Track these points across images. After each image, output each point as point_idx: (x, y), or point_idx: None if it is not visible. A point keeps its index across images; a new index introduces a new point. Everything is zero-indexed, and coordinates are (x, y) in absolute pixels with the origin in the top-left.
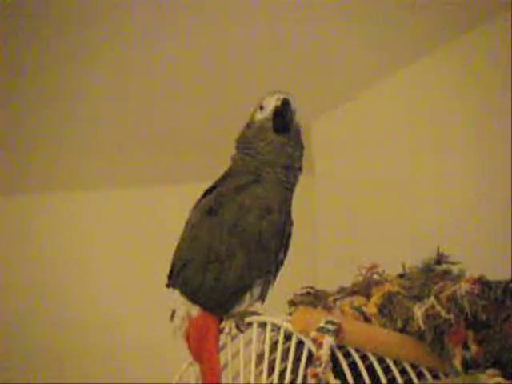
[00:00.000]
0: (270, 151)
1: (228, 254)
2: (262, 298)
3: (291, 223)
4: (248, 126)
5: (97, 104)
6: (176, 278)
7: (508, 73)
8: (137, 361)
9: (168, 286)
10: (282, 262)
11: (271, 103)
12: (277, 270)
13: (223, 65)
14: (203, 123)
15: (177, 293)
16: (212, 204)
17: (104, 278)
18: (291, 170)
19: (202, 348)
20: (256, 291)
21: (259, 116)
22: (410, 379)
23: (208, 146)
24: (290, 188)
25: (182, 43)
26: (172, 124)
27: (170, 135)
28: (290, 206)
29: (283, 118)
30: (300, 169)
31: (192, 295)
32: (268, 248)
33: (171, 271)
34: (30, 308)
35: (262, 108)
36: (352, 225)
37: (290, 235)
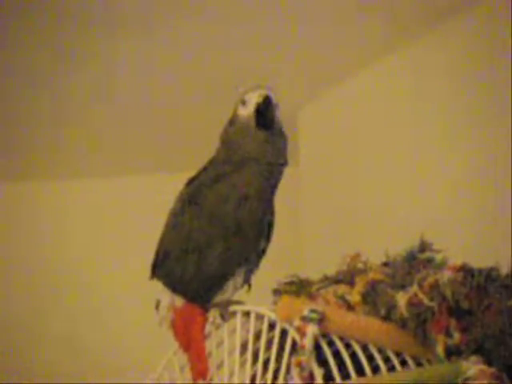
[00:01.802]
0: (253, 147)
1: (207, 243)
2: (246, 285)
3: (272, 212)
4: (231, 121)
5: (96, 95)
6: (159, 268)
7: (505, 59)
8: (123, 348)
9: (151, 277)
10: (263, 251)
11: (253, 100)
12: (258, 258)
13: (211, 57)
14: (191, 115)
15: (160, 283)
16: (192, 193)
17: (99, 266)
18: (275, 165)
19: (189, 337)
20: (238, 280)
21: (242, 111)
22: (394, 367)
23: (196, 137)
24: (272, 180)
25: (174, 39)
26: (162, 116)
27: (160, 127)
28: (271, 195)
29: (265, 115)
30: (285, 163)
31: (174, 285)
32: (247, 236)
33: (154, 262)
34: (22, 290)
35: (244, 103)
36: (337, 214)
37: (271, 224)
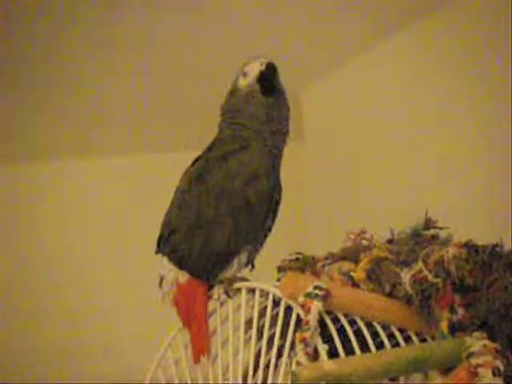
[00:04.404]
0: (259, 115)
1: (215, 221)
2: (250, 264)
3: (280, 189)
4: (232, 93)
5: (105, 76)
6: (164, 244)
7: (505, 44)
8: (126, 326)
9: (157, 252)
10: (269, 229)
11: (255, 68)
12: (265, 236)
13: (217, 35)
14: (196, 94)
15: (165, 259)
16: (200, 171)
17: (103, 244)
18: (279, 134)
19: (191, 313)
20: (243, 257)
21: (243, 82)
22: (398, 343)
23: (202, 116)
24: (278, 153)
25: (180, 18)
26: (169, 96)
27: (167, 107)
28: (278, 172)
29: (270, 81)
30: (287, 132)
31: (180, 261)
32: (255, 214)
33: (160, 238)
34: (23, 272)
35: (245, 74)
36: (341, 191)
37: (278, 202)
